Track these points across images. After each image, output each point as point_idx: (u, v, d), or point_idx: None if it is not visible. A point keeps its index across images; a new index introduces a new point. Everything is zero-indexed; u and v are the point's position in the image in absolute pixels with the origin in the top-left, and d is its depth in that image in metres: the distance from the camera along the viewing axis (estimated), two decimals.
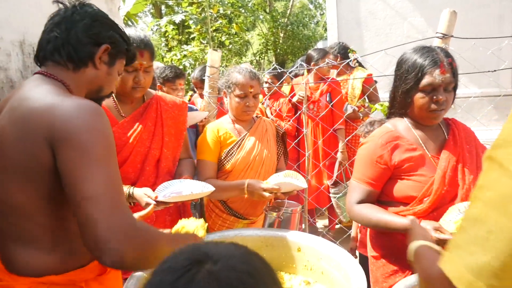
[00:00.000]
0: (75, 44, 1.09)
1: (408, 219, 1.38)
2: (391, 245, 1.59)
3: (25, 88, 1.05)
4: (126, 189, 1.66)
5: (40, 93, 1.00)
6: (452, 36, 2.35)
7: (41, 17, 2.90)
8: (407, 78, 1.50)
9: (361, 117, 3.50)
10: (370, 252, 1.71)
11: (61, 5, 1.17)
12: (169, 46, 10.04)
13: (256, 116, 2.17)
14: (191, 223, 1.44)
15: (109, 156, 0.94)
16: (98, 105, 1.02)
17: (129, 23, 5.16)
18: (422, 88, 1.47)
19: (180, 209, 1.97)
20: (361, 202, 1.58)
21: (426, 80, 1.46)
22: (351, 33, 4.75)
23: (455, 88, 1.52)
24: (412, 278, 1.28)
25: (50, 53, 1.10)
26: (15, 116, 0.98)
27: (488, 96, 4.30)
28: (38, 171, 0.95)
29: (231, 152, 2.00)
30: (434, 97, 1.46)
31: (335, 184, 3.32)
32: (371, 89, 3.32)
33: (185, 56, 8.05)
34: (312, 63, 3.60)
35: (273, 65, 3.13)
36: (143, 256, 0.90)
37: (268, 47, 15.73)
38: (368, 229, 1.78)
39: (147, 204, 1.55)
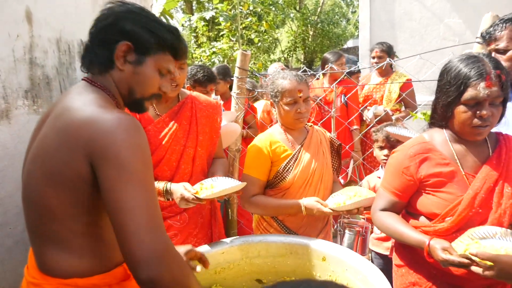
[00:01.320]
0: (95, 46, 1.07)
1: (424, 238, 1.35)
2: (412, 257, 1.55)
3: (69, 96, 1.05)
4: (163, 184, 1.67)
5: (81, 104, 0.99)
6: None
7: (76, 16, 3.00)
8: (448, 89, 1.39)
9: (393, 121, 3.44)
10: (394, 260, 1.68)
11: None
12: (199, 43, 10.13)
13: (309, 125, 2.01)
14: None
15: (146, 172, 0.94)
16: (135, 118, 0.98)
17: (164, 20, 5.24)
18: (464, 102, 1.36)
19: (212, 211, 1.99)
20: (385, 210, 1.56)
21: (469, 93, 1.34)
22: (384, 34, 4.61)
23: (505, 102, 1.38)
24: None
25: (83, 59, 1.11)
26: (57, 125, 0.99)
27: None
28: (75, 181, 0.96)
29: (287, 167, 1.83)
30: (478, 112, 1.34)
31: (349, 184, 3.32)
32: (403, 95, 3.27)
33: (214, 52, 8.10)
34: (326, 66, 3.63)
35: (302, 67, 3.08)
36: (177, 282, 0.91)
37: (297, 45, 15.60)
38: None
39: (182, 199, 1.58)
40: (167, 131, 1.76)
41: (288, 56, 16.04)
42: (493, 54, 1.76)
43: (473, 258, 1.17)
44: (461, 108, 1.38)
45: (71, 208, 0.99)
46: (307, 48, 15.66)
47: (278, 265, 1.68)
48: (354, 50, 10.51)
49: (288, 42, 16.02)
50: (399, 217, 1.53)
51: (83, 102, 0.99)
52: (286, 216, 1.87)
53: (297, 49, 15.78)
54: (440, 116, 1.47)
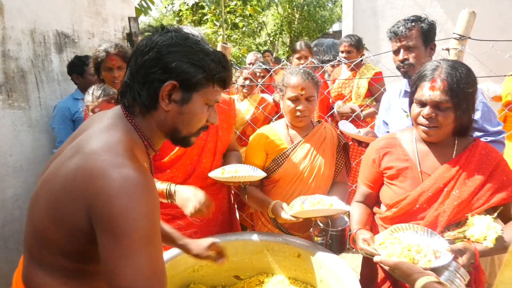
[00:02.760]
0: (139, 87, 0.96)
1: (356, 227, 1.55)
2: None
3: (100, 126, 0.98)
4: (166, 186, 1.62)
5: (100, 146, 0.90)
6: (469, 37, 2.26)
7: (51, 5, 2.91)
8: (411, 86, 1.50)
9: (362, 117, 3.21)
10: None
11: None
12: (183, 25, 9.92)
13: (318, 121, 1.99)
14: None
15: (148, 240, 0.85)
16: (146, 176, 0.88)
17: (144, 4, 5.10)
18: (415, 101, 1.46)
19: (230, 209, 2.03)
20: (360, 201, 1.70)
21: (417, 93, 1.44)
22: (367, 22, 4.61)
23: (465, 108, 1.39)
24: None
25: (121, 96, 1.01)
26: (71, 163, 0.91)
27: None
28: (72, 228, 0.91)
29: (278, 161, 1.85)
30: (421, 112, 1.42)
31: None
32: (384, 89, 3.23)
33: None
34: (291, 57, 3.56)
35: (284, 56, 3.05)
36: None
37: (283, 28, 15.43)
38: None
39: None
40: None
41: (274, 40, 15.87)
42: (401, 51, 1.91)
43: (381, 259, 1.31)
44: (413, 106, 1.47)
45: (65, 247, 0.95)
46: (293, 32, 15.50)
47: (255, 262, 1.72)
48: (340, 34, 10.47)
49: (274, 25, 15.83)
50: (360, 208, 1.66)
51: (104, 145, 0.91)
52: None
53: (283, 32, 15.61)
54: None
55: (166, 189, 1.61)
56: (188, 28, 1.66)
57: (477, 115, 1.74)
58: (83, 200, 0.86)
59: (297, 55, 3.61)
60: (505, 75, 2.30)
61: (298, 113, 1.80)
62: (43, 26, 2.85)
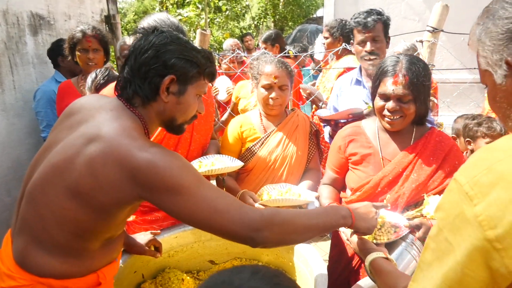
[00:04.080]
0: (140, 82, 1.09)
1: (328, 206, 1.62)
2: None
3: (106, 116, 1.08)
4: None
5: (117, 133, 1.03)
6: (442, 30, 2.33)
7: None
8: (374, 81, 1.57)
9: (320, 106, 2.81)
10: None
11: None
12: (164, 8, 9.73)
13: (291, 109, 2.02)
14: None
15: (199, 179, 1.05)
16: (163, 147, 1.07)
17: None
18: (379, 95, 1.54)
19: None
20: (327, 184, 1.81)
21: (381, 88, 1.52)
22: (347, 10, 4.63)
23: (423, 100, 1.51)
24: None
25: (122, 89, 1.13)
26: (94, 150, 1.01)
27: (478, 82, 4.29)
28: (100, 205, 1.03)
29: (251, 150, 1.89)
30: (386, 105, 1.51)
31: None
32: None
33: (180, 21, 7.82)
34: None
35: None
36: (283, 233, 1.09)
37: (268, 12, 15.28)
38: None
39: None
40: None
41: (258, 24, 15.72)
42: (368, 42, 2.00)
43: None
44: (377, 99, 1.56)
45: (81, 223, 1.05)
46: (277, 16, 15.37)
47: (230, 247, 1.77)
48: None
49: (259, 9, 15.65)
50: (328, 188, 1.78)
51: (121, 131, 1.03)
52: None
53: (267, 16, 15.46)
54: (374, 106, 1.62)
55: None
56: (170, 19, 1.66)
57: None
58: (125, 180, 0.99)
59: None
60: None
61: (271, 101, 1.83)
62: (16, 7, 2.77)
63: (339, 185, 1.79)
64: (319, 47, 4.22)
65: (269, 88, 1.83)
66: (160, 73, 1.08)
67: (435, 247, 0.69)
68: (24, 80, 2.83)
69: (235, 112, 3.15)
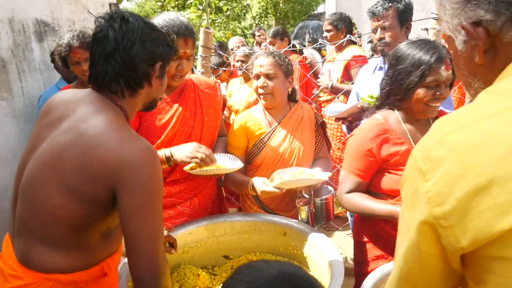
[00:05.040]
0: (133, 73, 1.12)
1: (394, 208, 1.44)
2: (375, 232, 1.66)
3: (88, 109, 1.10)
4: (163, 152, 1.66)
5: (105, 126, 1.05)
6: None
7: None
8: (411, 73, 1.47)
9: (329, 86, 2.90)
10: (355, 236, 1.78)
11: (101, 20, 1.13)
12: (166, 11, 9.76)
13: (295, 101, 2.01)
14: None
15: (161, 200, 1.09)
16: (154, 148, 1.09)
17: None
18: (426, 84, 1.46)
19: (220, 197, 2.03)
20: (351, 192, 1.61)
21: (432, 77, 1.45)
22: (349, 3, 4.62)
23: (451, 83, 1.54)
24: (389, 265, 1.36)
25: (108, 84, 1.12)
26: (81, 144, 1.03)
27: None
28: (90, 199, 1.05)
29: (258, 146, 1.88)
30: (438, 93, 1.46)
31: None
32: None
33: None
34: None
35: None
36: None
37: (268, 11, 15.26)
38: (353, 216, 1.84)
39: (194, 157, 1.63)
40: (173, 113, 1.75)
41: (260, 23, 15.71)
42: (378, 30, 1.99)
43: None
44: (422, 89, 1.47)
45: (74, 218, 1.07)
46: (278, 14, 15.34)
47: (244, 242, 1.78)
48: (325, 16, 10.40)
49: (259, 8, 15.64)
50: (366, 195, 1.58)
51: (107, 125, 1.06)
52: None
53: (268, 15, 15.44)
54: (399, 97, 1.54)
55: (164, 155, 1.66)
56: (179, 18, 1.67)
57: None
58: (107, 177, 1.02)
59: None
60: None
61: (260, 90, 1.84)
62: (21, 14, 2.80)
63: (365, 190, 1.63)
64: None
65: (257, 77, 1.85)
66: (150, 62, 1.13)
67: (399, 229, 0.67)
68: (32, 86, 2.86)
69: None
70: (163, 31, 1.21)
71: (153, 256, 1.05)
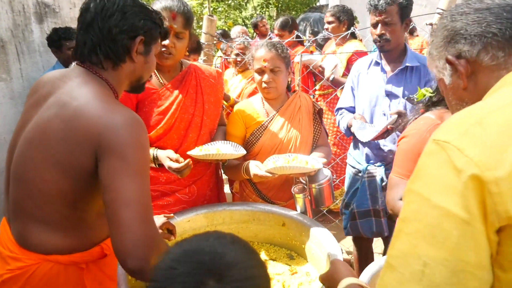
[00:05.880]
0: (111, 44, 1.09)
1: None
2: None
3: (72, 83, 1.08)
4: (151, 151, 1.65)
5: (89, 96, 1.04)
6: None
7: None
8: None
9: (330, 79, 2.89)
10: None
11: None
12: None
13: (293, 91, 2.01)
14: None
15: (146, 169, 1.03)
16: (139, 117, 1.06)
17: None
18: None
19: (218, 185, 2.01)
20: None
21: None
22: None
23: None
24: (381, 261, 1.36)
25: (88, 55, 1.11)
26: (64, 115, 1.02)
27: None
28: (77, 170, 1.03)
29: (256, 135, 1.89)
30: None
31: None
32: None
33: None
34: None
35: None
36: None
37: (269, 1, 15.13)
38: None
39: (169, 168, 1.60)
40: (173, 99, 1.74)
41: (261, 13, 15.57)
42: (379, 25, 1.95)
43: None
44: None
45: (66, 194, 1.05)
46: (280, 5, 15.22)
47: (242, 231, 1.78)
48: (327, 8, 10.30)
49: None
50: None
51: (91, 96, 1.04)
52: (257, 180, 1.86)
53: (270, 5, 15.31)
54: None
55: (152, 154, 1.66)
56: None
57: None
58: (90, 142, 0.99)
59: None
60: None
61: (264, 85, 1.83)
62: None
63: None
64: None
65: (261, 72, 1.83)
66: (130, 34, 1.11)
67: (414, 218, 0.62)
68: (31, 68, 2.82)
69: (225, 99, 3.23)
70: (149, 7, 1.19)
71: (144, 224, 0.94)
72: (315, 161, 1.67)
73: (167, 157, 1.62)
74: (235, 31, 4.45)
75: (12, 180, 1.11)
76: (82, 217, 1.11)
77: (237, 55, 3.10)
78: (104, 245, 1.19)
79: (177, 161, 1.59)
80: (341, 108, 2.32)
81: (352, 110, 2.26)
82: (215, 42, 2.66)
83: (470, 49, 0.76)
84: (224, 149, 1.71)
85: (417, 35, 4.39)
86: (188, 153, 1.68)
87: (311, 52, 3.61)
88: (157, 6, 1.59)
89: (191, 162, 1.60)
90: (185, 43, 1.72)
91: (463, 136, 0.61)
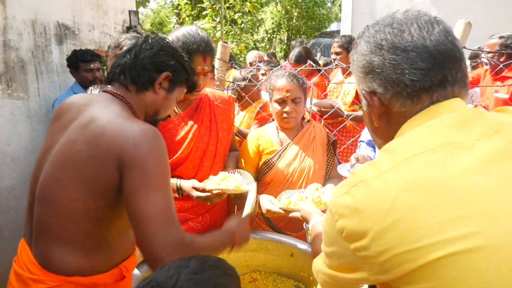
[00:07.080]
0: (139, 69, 1.18)
1: None
2: None
3: (96, 107, 1.13)
4: (174, 181, 1.67)
5: (110, 115, 1.09)
6: (464, 47, 2.32)
7: None
8: None
9: (345, 116, 2.80)
10: None
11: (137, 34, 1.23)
12: (181, 20, 9.90)
13: (307, 121, 2.02)
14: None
15: (167, 179, 1.07)
16: (157, 129, 1.09)
17: None
18: None
19: (230, 213, 2.00)
20: None
21: None
22: (365, 24, 4.67)
23: None
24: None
25: (117, 75, 1.21)
26: (87, 134, 1.06)
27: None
28: (103, 187, 1.05)
29: (269, 164, 1.88)
30: None
31: None
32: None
33: None
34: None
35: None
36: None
37: (281, 26, 15.43)
38: None
39: (197, 198, 1.60)
40: (189, 129, 1.75)
41: (272, 37, 15.87)
42: None
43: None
44: None
45: (93, 211, 1.07)
46: (291, 29, 15.52)
47: (250, 259, 1.77)
48: (338, 34, 10.49)
49: (273, 23, 15.83)
50: None
51: (112, 114, 1.09)
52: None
53: (281, 30, 15.62)
54: None
55: (176, 184, 1.66)
56: (200, 34, 1.67)
57: None
58: (112, 157, 1.02)
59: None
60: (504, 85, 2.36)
61: (285, 115, 1.84)
62: (44, 17, 2.85)
63: None
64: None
65: (282, 102, 1.83)
66: (159, 68, 1.20)
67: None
68: (48, 87, 2.89)
69: None
70: (183, 54, 1.30)
71: (168, 232, 0.98)
72: (247, 185, 1.65)
73: (193, 187, 1.62)
74: (251, 56, 4.44)
75: (38, 201, 1.12)
76: (104, 236, 1.13)
77: (242, 89, 2.95)
78: (123, 267, 1.19)
79: (203, 190, 1.59)
80: (362, 141, 2.31)
81: (372, 143, 2.24)
82: (227, 68, 2.70)
83: (384, 93, 0.76)
84: (233, 184, 1.64)
85: None
86: (206, 188, 1.62)
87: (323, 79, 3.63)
88: (190, 49, 1.62)
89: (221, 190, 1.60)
90: (209, 77, 1.77)
91: (336, 202, 0.71)
